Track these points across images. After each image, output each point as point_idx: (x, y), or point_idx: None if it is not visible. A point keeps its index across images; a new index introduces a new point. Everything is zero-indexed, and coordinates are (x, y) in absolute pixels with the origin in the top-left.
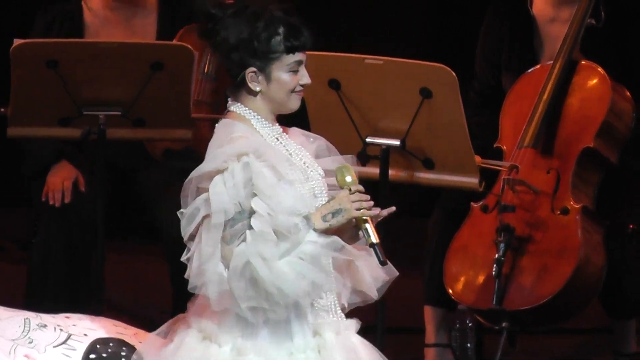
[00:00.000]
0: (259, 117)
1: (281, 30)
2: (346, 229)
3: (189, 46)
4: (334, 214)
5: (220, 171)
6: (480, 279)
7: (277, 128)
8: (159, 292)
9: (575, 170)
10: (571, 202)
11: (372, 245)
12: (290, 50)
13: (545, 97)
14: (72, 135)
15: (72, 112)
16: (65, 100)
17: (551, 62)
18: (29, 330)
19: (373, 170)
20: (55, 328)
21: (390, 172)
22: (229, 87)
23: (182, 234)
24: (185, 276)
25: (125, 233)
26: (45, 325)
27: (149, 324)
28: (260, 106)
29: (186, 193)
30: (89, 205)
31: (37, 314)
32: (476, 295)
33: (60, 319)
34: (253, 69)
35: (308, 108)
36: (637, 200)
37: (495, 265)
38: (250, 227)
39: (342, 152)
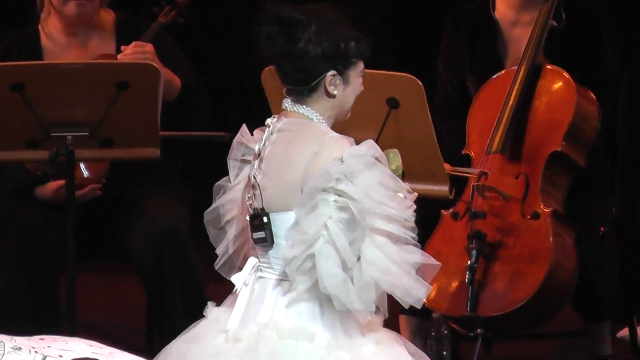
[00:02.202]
0: (325, 121)
1: (354, 36)
2: None
3: (154, 64)
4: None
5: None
6: (454, 286)
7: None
8: (132, 312)
9: (544, 174)
10: (541, 207)
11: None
12: (363, 56)
13: (511, 102)
14: (40, 158)
15: (39, 135)
16: (32, 122)
17: (516, 66)
18: (3, 354)
19: None
20: (30, 350)
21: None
22: (292, 88)
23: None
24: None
25: (98, 253)
26: (19, 348)
27: (123, 344)
28: (326, 111)
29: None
30: (53, 228)
31: (12, 336)
32: (450, 302)
33: (34, 341)
34: (334, 72)
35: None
36: (606, 203)
37: (467, 272)
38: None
39: None
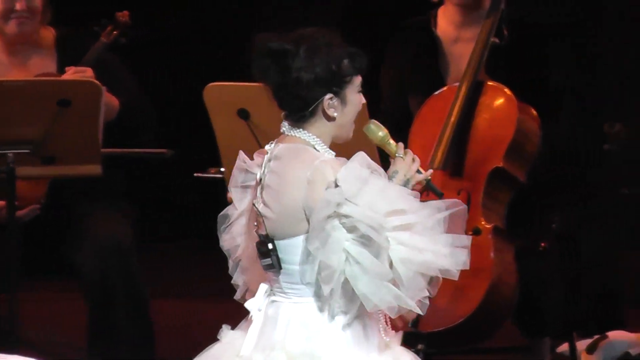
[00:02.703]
0: (322, 143)
1: (346, 53)
2: None
3: (96, 81)
4: (405, 185)
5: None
6: None
7: (332, 153)
8: (73, 328)
9: (486, 190)
10: (482, 222)
11: (441, 195)
12: (359, 71)
13: (453, 118)
14: None
15: None
16: None
17: (457, 83)
18: None
19: None
20: None
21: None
22: (288, 115)
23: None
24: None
25: (40, 271)
26: None
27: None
28: (324, 133)
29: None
30: None
31: None
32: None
33: None
34: (330, 95)
35: (217, 139)
36: (547, 219)
37: None
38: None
39: None
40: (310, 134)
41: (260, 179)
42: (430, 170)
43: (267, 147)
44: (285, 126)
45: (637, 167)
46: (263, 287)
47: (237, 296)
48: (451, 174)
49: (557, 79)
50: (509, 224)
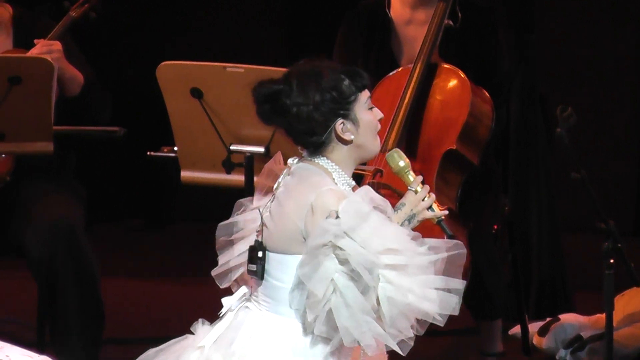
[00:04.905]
0: (341, 170)
1: (343, 75)
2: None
3: (48, 58)
4: (410, 219)
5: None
6: None
7: (351, 182)
8: (23, 307)
9: (439, 172)
10: (435, 205)
11: (451, 237)
12: (362, 88)
13: (406, 100)
14: None
15: None
16: None
17: (411, 65)
18: None
19: (238, 178)
20: None
21: (255, 178)
22: (305, 148)
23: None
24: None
25: None
26: None
27: (13, 339)
28: (346, 157)
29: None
30: None
31: None
32: None
33: None
34: (340, 120)
35: (171, 118)
36: (499, 202)
37: None
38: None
39: (207, 161)
40: (330, 162)
41: (275, 189)
42: (446, 212)
43: (289, 160)
44: (304, 153)
45: (586, 152)
46: (242, 290)
47: (214, 272)
48: (406, 151)
49: (509, 62)
50: (462, 206)
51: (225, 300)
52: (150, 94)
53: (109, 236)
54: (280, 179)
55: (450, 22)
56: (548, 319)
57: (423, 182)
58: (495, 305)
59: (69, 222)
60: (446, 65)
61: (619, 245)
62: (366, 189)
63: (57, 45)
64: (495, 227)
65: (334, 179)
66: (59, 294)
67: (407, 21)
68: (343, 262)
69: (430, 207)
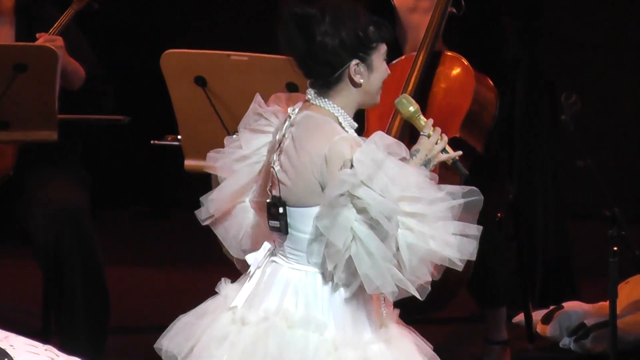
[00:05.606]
0: (347, 115)
1: (372, 21)
2: None
3: (52, 47)
4: (426, 164)
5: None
6: None
7: (354, 124)
8: (29, 295)
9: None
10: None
11: (466, 176)
12: (384, 39)
13: (410, 88)
14: None
15: None
16: None
17: (415, 52)
18: None
19: None
20: None
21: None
22: (314, 82)
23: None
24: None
25: None
26: None
27: (19, 327)
28: (351, 101)
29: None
30: None
31: None
32: None
33: None
34: (357, 60)
35: (174, 106)
36: (504, 189)
37: None
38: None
39: (211, 150)
40: (335, 105)
41: (280, 142)
42: (459, 152)
43: (289, 109)
44: (310, 94)
45: (592, 139)
46: (266, 246)
47: (202, 217)
48: (408, 144)
49: (513, 50)
50: None
51: (249, 257)
52: (154, 82)
53: (114, 223)
54: (282, 130)
55: (454, 10)
56: (552, 307)
57: (434, 125)
58: (500, 293)
59: (75, 207)
60: (450, 53)
61: (624, 232)
62: (380, 134)
63: (59, 41)
64: (500, 214)
65: (340, 123)
66: (64, 280)
67: (411, 9)
68: (361, 210)
69: (444, 150)
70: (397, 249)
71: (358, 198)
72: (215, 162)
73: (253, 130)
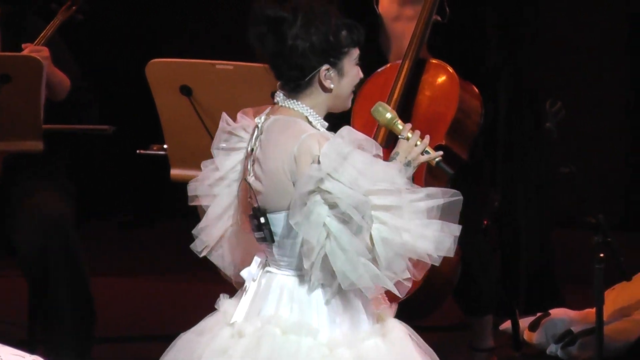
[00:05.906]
0: (315, 114)
1: (344, 25)
2: None
3: (37, 57)
4: (406, 166)
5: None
6: None
7: (324, 123)
8: (14, 305)
9: (427, 168)
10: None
11: (453, 176)
12: (357, 43)
13: (395, 96)
14: None
15: None
16: None
17: (400, 60)
18: None
19: None
20: None
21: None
22: (284, 85)
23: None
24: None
25: None
26: None
27: (4, 337)
28: (320, 103)
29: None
30: None
31: None
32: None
33: None
34: (327, 65)
35: (160, 116)
36: (488, 197)
37: None
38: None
39: (197, 159)
40: (304, 106)
41: (252, 151)
42: (440, 152)
43: (256, 119)
44: (279, 96)
45: (576, 146)
46: (257, 259)
47: (198, 249)
48: None
49: (496, 57)
50: None
51: (244, 272)
52: (139, 92)
53: (99, 233)
54: (252, 140)
55: (439, 18)
56: (538, 314)
57: (413, 129)
58: (485, 301)
59: (59, 219)
60: (434, 61)
61: (609, 239)
62: (348, 129)
63: (45, 51)
64: (485, 222)
65: (310, 122)
66: (49, 290)
67: (395, 17)
68: (332, 205)
69: (425, 151)
70: (373, 244)
71: (328, 193)
72: (195, 191)
73: (226, 149)
